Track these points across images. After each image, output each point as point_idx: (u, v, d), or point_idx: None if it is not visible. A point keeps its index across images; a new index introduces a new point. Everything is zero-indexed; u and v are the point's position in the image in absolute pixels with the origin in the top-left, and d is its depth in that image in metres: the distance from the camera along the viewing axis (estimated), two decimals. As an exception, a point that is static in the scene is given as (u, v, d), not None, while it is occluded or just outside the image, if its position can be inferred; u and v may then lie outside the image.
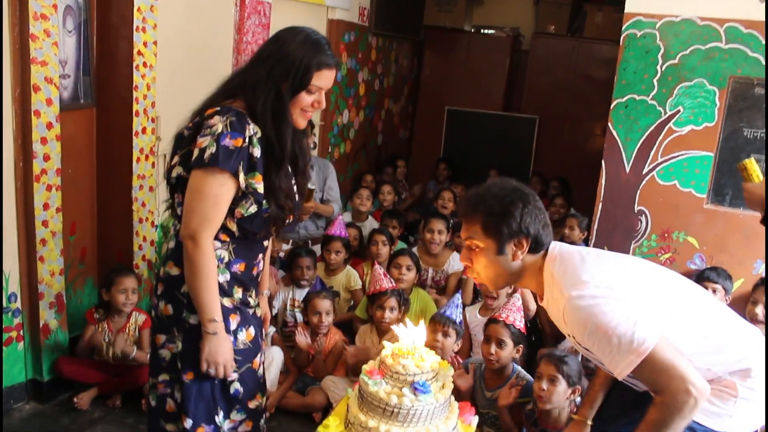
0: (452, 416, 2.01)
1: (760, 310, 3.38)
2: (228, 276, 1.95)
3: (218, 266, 1.92)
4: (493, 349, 2.86)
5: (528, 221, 1.78)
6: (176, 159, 1.91)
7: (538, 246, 1.82)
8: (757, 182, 2.32)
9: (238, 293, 1.98)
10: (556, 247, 1.85)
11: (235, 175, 1.82)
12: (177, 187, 1.93)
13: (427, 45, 7.46)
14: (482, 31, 7.58)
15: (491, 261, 1.82)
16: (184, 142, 1.90)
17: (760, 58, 3.58)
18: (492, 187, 1.85)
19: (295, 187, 2.03)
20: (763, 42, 3.55)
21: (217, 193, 1.82)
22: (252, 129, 1.85)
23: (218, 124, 1.81)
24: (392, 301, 3.29)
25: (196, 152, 1.81)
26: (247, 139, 1.83)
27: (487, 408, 2.87)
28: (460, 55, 7.33)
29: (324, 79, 1.91)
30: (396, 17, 6.50)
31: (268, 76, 1.85)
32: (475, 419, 2.19)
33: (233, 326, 1.98)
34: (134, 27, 3.24)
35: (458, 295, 3.26)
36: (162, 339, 1.99)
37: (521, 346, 2.92)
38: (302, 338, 3.32)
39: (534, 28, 7.41)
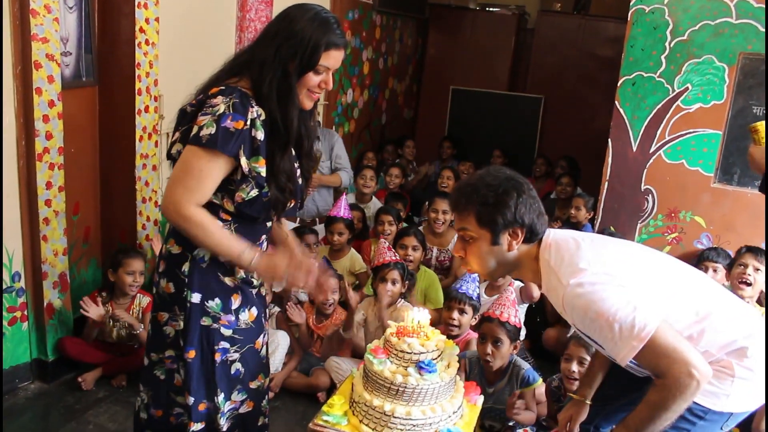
0: (457, 395, 2.01)
1: (751, 271, 3.36)
2: None
3: None
4: (490, 348, 2.77)
5: (523, 211, 1.77)
6: (177, 135, 1.88)
7: (532, 235, 1.81)
8: (763, 146, 2.32)
9: (240, 272, 1.96)
10: (550, 234, 1.84)
11: (236, 159, 1.79)
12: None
13: (431, 23, 7.38)
14: (487, 9, 7.48)
15: (486, 251, 1.81)
16: (186, 118, 1.86)
17: (771, 34, 3.53)
18: (485, 177, 1.82)
19: (299, 171, 2.00)
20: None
21: (202, 168, 1.78)
22: (255, 111, 1.81)
23: (221, 104, 1.77)
24: (394, 274, 3.27)
25: (194, 129, 1.78)
26: (248, 122, 1.79)
27: (490, 402, 2.80)
28: (465, 34, 7.25)
29: (332, 59, 1.86)
30: (400, -5, 6.43)
31: (275, 54, 1.81)
32: (480, 399, 2.19)
33: (235, 306, 1.97)
34: (136, 3, 3.19)
35: None
36: (165, 317, 1.98)
37: (518, 342, 2.85)
38: (296, 313, 3.31)
39: (539, 5, 7.30)
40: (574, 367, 2.67)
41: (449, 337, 2.48)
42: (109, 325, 3.21)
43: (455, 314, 3.09)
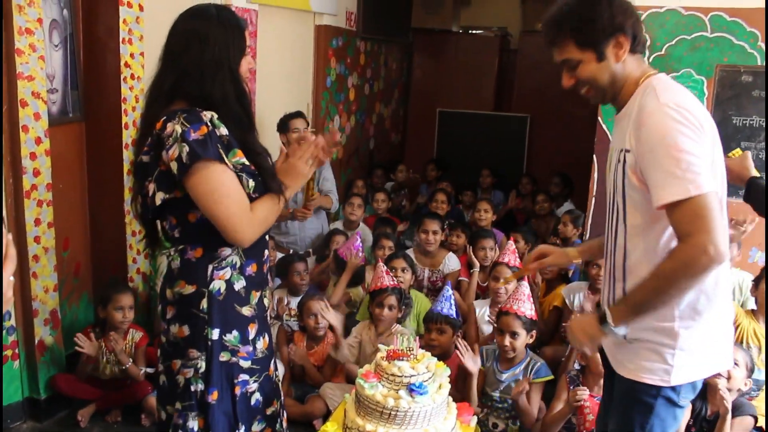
0: (450, 416, 2.01)
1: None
2: (243, 282, 1.91)
3: (232, 273, 1.89)
4: (507, 340, 2.94)
5: (619, 18, 1.69)
6: (152, 187, 1.82)
7: (636, 42, 1.73)
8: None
9: (254, 298, 1.95)
10: (667, 77, 1.78)
11: (220, 160, 1.77)
12: (166, 212, 1.88)
13: (415, 47, 7.47)
14: (470, 31, 7.59)
15: (596, 70, 1.74)
16: (149, 168, 1.83)
17: (745, 46, 3.60)
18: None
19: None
20: (748, 29, 3.57)
21: (224, 182, 1.77)
22: (207, 114, 1.80)
23: (175, 126, 1.75)
24: (391, 299, 3.28)
25: (174, 165, 1.75)
26: (209, 123, 1.78)
27: (500, 391, 2.95)
28: (449, 57, 7.33)
29: (248, 38, 1.93)
30: (383, 21, 6.50)
31: (215, 61, 1.82)
32: (474, 419, 2.19)
33: (252, 335, 1.95)
34: (120, 39, 3.23)
35: (447, 287, 3.28)
36: (178, 364, 1.92)
37: (534, 332, 3.00)
38: (297, 352, 3.32)
39: (521, 26, 7.42)
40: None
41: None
42: (102, 361, 3.19)
43: (434, 334, 3.14)
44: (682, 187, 1.56)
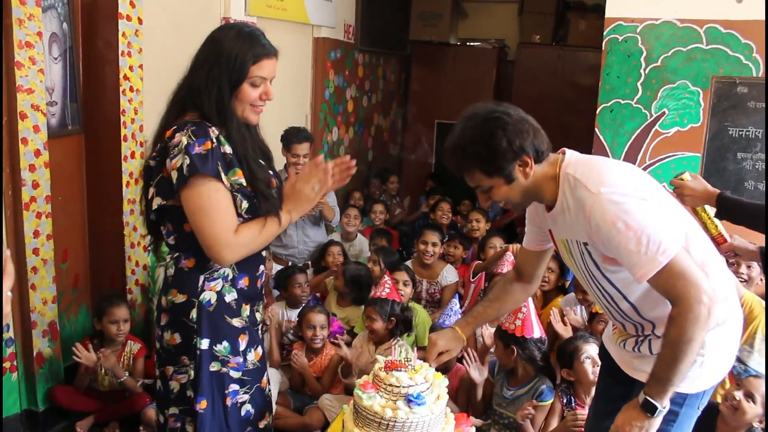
0: (448, 427, 2.00)
1: None
2: (235, 294, 1.93)
3: (224, 285, 1.91)
4: (492, 349, 3.01)
5: (517, 141, 1.73)
6: (152, 191, 1.87)
7: (540, 155, 1.78)
8: (711, 226, 2.37)
9: (245, 311, 1.97)
10: (573, 154, 1.83)
11: (218, 177, 1.80)
12: (163, 218, 1.91)
13: (414, 59, 7.49)
14: (468, 43, 7.63)
15: (508, 191, 1.80)
16: (154, 172, 1.87)
17: (740, 58, 3.63)
18: (465, 131, 1.79)
19: (275, 181, 2.01)
20: (743, 41, 3.61)
21: (218, 200, 1.80)
22: (215, 130, 1.83)
23: (182, 138, 1.79)
24: (371, 311, 3.22)
25: (174, 174, 1.79)
26: (214, 140, 1.81)
27: (503, 407, 2.91)
28: (447, 69, 7.36)
29: (265, 69, 1.88)
30: (382, 33, 6.54)
31: (207, 77, 1.84)
32: (472, 430, 2.18)
33: (242, 347, 1.96)
34: (119, 52, 3.25)
35: (455, 302, 3.25)
36: (170, 370, 1.95)
37: (513, 348, 2.90)
38: (299, 359, 3.31)
39: (519, 38, 7.45)
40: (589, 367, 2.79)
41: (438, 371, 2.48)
42: (100, 373, 3.18)
43: None
44: (653, 261, 1.61)
